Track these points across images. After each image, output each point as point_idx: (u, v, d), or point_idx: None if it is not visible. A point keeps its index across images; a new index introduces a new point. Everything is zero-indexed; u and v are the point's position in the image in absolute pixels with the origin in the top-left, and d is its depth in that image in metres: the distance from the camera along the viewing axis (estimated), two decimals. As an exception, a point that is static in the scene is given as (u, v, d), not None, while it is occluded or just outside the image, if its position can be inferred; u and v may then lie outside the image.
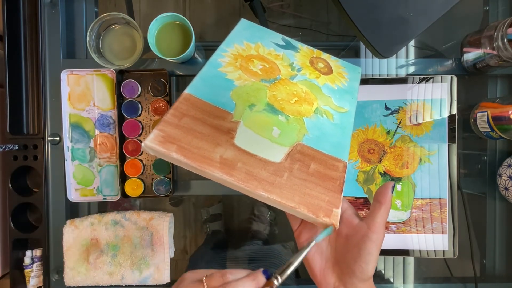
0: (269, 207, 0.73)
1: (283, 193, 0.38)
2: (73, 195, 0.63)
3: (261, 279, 0.35)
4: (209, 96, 0.45)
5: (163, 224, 0.61)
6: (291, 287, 0.64)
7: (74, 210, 0.66)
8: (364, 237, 0.37)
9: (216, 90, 0.46)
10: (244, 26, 0.56)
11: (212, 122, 0.42)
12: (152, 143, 0.38)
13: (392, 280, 0.65)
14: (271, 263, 0.65)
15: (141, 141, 0.62)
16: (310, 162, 0.42)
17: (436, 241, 0.58)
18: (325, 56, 0.55)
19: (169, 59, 0.57)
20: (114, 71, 0.60)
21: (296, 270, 0.69)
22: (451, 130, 0.58)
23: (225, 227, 0.75)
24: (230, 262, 0.68)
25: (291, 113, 0.46)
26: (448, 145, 0.58)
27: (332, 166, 0.42)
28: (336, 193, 0.40)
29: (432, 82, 0.58)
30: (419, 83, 0.59)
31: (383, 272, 0.65)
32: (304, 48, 0.55)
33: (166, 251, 0.61)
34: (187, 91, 0.45)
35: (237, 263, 0.67)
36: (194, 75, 0.65)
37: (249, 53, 0.52)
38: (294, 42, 0.55)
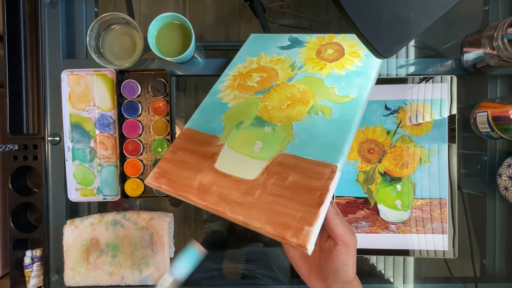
0: None
1: (250, 213, 0.37)
2: (74, 195, 0.63)
3: None
4: (202, 125, 0.47)
5: (163, 224, 0.61)
6: (286, 287, 0.64)
7: (74, 210, 0.66)
8: (335, 253, 0.37)
9: (210, 117, 0.48)
10: (251, 42, 0.57)
11: (200, 150, 0.44)
12: (149, 179, 0.44)
13: (392, 280, 0.65)
14: (268, 264, 0.65)
15: (141, 141, 0.62)
16: (289, 174, 0.39)
17: (436, 241, 0.58)
18: (339, 38, 0.51)
19: (169, 59, 0.57)
20: (114, 71, 0.60)
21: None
22: (451, 130, 0.58)
23: (225, 227, 0.75)
24: (228, 261, 0.68)
25: (279, 120, 0.45)
26: (448, 145, 0.58)
27: (316, 174, 0.38)
28: (313, 207, 0.35)
29: (432, 82, 0.58)
30: (419, 83, 0.59)
31: (383, 272, 0.65)
32: (313, 39, 0.53)
33: (166, 251, 0.61)
34: (186, 125, 0.48)
35: (236, 262, 0.67)
36: (194, 75, 0.66)
37: (250, 68, 0.52)
38: (302, 37, 0.54)
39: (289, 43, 0.54)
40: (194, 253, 0.47)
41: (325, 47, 0.51)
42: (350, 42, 0.51)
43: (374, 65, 0.47)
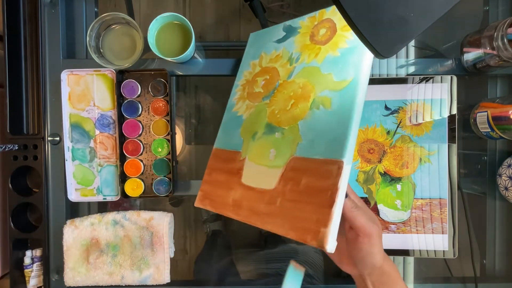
0: None
1: (275, 222, 0.39)
2: (73, 195, 0.63)
3: None
4: (225, 143, 0.50)
5: (163, 224, 0.61)
6: (319, 287, 0.64)
7: (74, 210, 0.66)
8: (358, 243, 0.39)
9: (231, 133, 0.50)
10: (251, 42, 0.57)
11: (227, 168, 0.47)
12: (197, 203, 0.48)
13: (392, 280, 0.65)
14: (299, 262, 0.65)
15: (141, 141, 0.62)
16: (301, 178, 0.39)
17: (436, 241, 0.58)
18: (330, 11, 0.49)
19: (169, 59, 0.57)
20: (114, 71, 0.60)
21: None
22: (451, 130, 0.58)
23: (225, 227, 0.75)
24: (260, 262, 0.67)
25: (286, 123, 0.45)
26: (448, 145, 0.58)
27: (324, 173, 0.38)
28: (326, 208, 0.36)
29: (432, 82, 0.58)
30: (419, 83, 0.59)
31: (383, 272, 0.65)
32: (306, 21, 0.50)
33: (166, 251, 0.61)
34: (214, 146, 0.51)
35: (268, 262, 0.67)
36: (194, 75, 0.66)
37: (254, 73, 0.52)
38: (295, 22, 0.52)
39: (284, 33, 0.52)
40: (297, 274, 0.45)
41: (317, 27, 0.49)
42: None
43: None
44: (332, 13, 0.48)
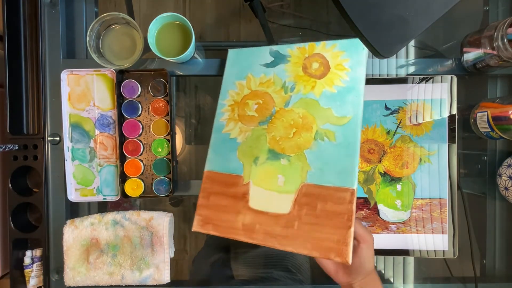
0: None
1: (296, 243, 0.42)
2: (73, 195, 0.63)
3: None
4: (222, 166, 0.49)
5: (163, 224, 0.61)
6: (306, 287, 0.64)
7: (74, 210, 0.66)
8: (359, 250, 0.43)
9: (226, 156, 0.50)
10: (231, 60, 0.56)
11: (230, 192, 0.47)
12: (196, 228, 0.48)
13: (392, 280, 0.65)
14: (285, 265, 0.65)
15: (141, 141, 0.62)
16: (317, 203, 0.43)
17: (436, 241, 0.58)
18: (319, 47, 0.51)
19: (169, 59, 0.57)
20: (114, 71, 0.60)
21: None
22: (451, 130, 0.58)
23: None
24: (243, 266, 0.67)
25: (291, 151, 0.47)
26: (448, 145, 0.58)
27: (338, 199, 0.42)
28: (344, 229, 0.41)
29: (432, 82, 0.58)
30: (419, 83, 0.59)
31: (383, 272, 0.65)
32: (295, 51, 0.52)
33: (166, 251, 0.61)
34: (206, 168, 0.51)
35: (252, 266, 0.67)
36: (194, 75, 0.66)
37: (243, 95, 0.52)
38: (283, 49, 0.53)
39: (272, 58, 0.53)
40: None
41: (309, 60, 0.51)
42: (331, 52, 0.51)
43: (360, 77, 0.48)
44: (323, 49, 0.51)
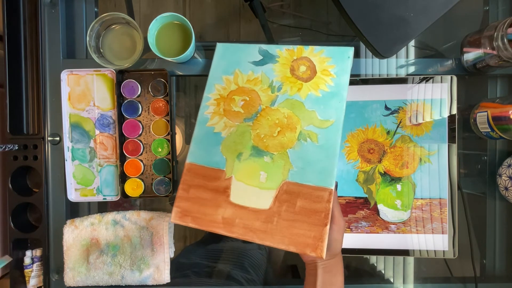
0: None
1: (274, 238, 0.44)
2: (73, 195, 0.63)
3: None
4: (204, 159, 0.50)
5: (163, 224, 0.61)
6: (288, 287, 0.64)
7: (74, 210, 0.66)
8: (330, 230, 0.45)
9: (209, 149, 0.50)
10: (220, 54, 0.56)
11: (211, 186, 0.48)
12: (174, 219, 0.48)
13: (392, 280, 0.65)
14: (242, 263, 0.67)
15: (141, 141, 0.62)
16: (296, 200, 0.45)
17: (436, 241, 0.58)
18: (308, 51, 0.53)
19: (169, 59, 0.57)
20: (114, 71, 0.60)
21: (296, 270, 0.69)
22: (451, 130, 0.58)
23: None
24: (208, 258, 0.68)
25: (275, 149, 0.48)
26: (448, 145, 0.58)
27: (317, 198, 0.45)
28: (321, 226, 0.43)
29: (432, 82, 0.58)
30: (419, 83, 0.59)
31: (383, 272, 0.65)
32: (284, 52, 0.54)
33: (166, 251, 0.61)
34: (187, 160, 0.50)
35: (213, 259, 0.68)
36: (194, 75, 0.66)
37: (230, 90, 0.53)
38: (272, 49, 0.54)
39: (261, 57, 0.54)
40: None
41: (297, 63, 0.52)
42: (318, 57, 0.52)
43: (344, 84, 0.50)
44: (311, 53, 0.53)
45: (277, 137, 0.49)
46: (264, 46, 0.54)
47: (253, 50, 0.54)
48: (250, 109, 0.51)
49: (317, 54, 0.52)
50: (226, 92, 0.53)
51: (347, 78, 0.50)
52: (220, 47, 0.57)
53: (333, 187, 0.45)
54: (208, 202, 0.47)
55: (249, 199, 0.46)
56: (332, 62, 0.51)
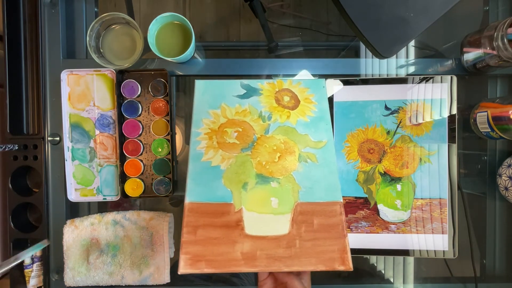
0: None
1: (301, 261, 0.43)
2: (73, 195, 0.63)
3: None
4: (206, 195, 0.48)
5: (163, 224, 0.61)
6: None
7: (74, 210, 0.66)
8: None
9: (209, 185, 0.49)
10: (201, 90, 0.56)
11: (221, 222, 0.46)
12: (185, 270, 0.43)
13: (392, 280, 0.65)
14: None
15: (141, 141, 0.62)
16: (313, 219, 0.45)
17: (436, 241, 0.58)
18: (287, 83, 0.56)
19: (169, 59, 0.57)
20: (114, 71, 0.61)
21: None
22: (451, 130, 0.58)
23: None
24: None
25: (279, 174, 0.49)
26: (448, 145, 0.58)
27: (330, 212, 0.45)
28: (342, 238, 0.44)
29: (432, 82, 0.58)
30: (419, 83, 0.59)
31: (383, 272, 0.65)
32: (265, 85, 0.56)
33: (166, 251, 0.61)
34: (186, 200, 0.48)
35: None
36: (194, 75, 0.66)
37: (220, 123, 0.53)
38: (254, 83, 0.56)
39: (245, 91, 0.55)
40: None
41: (280, 94, 0.55)
42: (298, 88, 0.55)
43: (326, 109, 0.53)
44: (290, 85, 0.56)
45: (279, 162, 0.49)
46: (246, 81, 0.56)
47: (235, 85, 0.56)
48: (246, 139, 0.51)
49: (296, 85, 0.55)
50: (216, 126, 0.53)
51: (326, 104, 0.54)
52: (200, 84, 0.57)
53: (341, 200, 0.46)
54: (221, 241, 0.44)
55: (266, 227, 0.45)
56: (311, 92, 0.55)
